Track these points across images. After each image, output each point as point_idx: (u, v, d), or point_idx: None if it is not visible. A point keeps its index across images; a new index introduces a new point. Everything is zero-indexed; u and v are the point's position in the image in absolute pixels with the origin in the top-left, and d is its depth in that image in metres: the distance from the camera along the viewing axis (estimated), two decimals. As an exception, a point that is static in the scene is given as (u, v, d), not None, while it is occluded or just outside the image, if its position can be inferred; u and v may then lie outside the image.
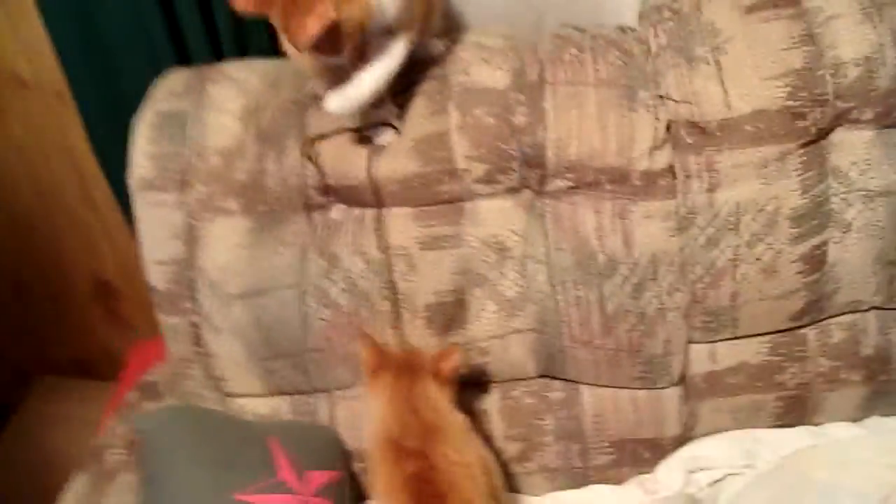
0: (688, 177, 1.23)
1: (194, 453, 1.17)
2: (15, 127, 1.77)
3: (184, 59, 1.49)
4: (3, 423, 2.08)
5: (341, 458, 1.32)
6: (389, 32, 1.17)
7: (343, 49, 1.10)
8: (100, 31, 1.48)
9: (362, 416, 1.34)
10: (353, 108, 1.18)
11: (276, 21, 1.09)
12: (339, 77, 1.17)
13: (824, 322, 1.30)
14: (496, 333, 1.29)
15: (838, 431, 1.33)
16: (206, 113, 1.32)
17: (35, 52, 1.64)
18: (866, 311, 1.30)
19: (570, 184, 1.25)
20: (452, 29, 1.37)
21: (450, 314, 1.29)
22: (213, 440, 1.20)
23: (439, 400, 1.19)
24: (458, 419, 1.20)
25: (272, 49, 1.46)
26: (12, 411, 2.10)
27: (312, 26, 1.02)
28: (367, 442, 1.22)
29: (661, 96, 1.24)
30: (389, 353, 1.24)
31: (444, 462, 1.11)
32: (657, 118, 1.23)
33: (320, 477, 1.21)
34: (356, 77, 1.16)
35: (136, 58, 1.50)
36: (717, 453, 1.31)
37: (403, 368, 1.22)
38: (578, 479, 1.35)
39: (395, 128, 1.26)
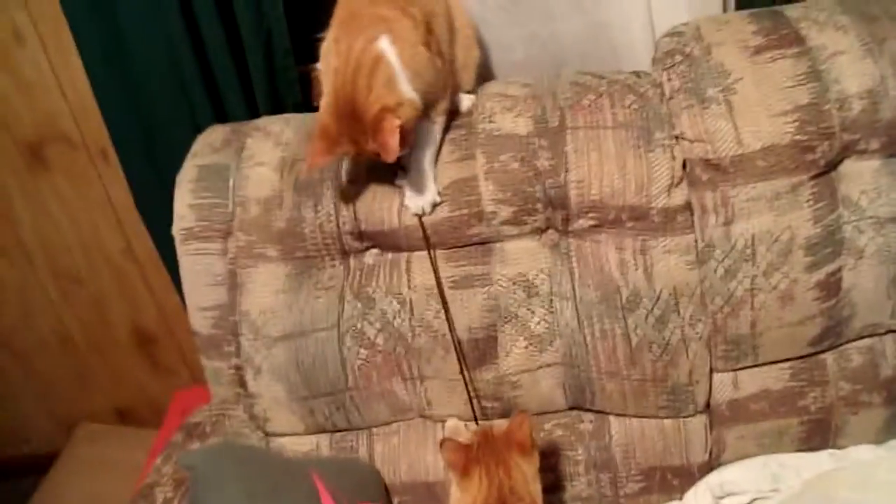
0: (704, 212, 1.29)
1: (241, 487, 1.21)
2: (62, 183, 1.86)
3: (221, 116, 1.57)
4: (46, 468, 2.13)
5: (380, 492, 1.37)
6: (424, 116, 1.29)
7: (409, 143, 1.25)
8: (142, 93, 1.58)
9: (400, 453, 1.41)
10: (431, 207, 1.32)
11: (349, 152, 1.24)
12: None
13: (843, 347, 1.34)
14: (527, 368, 1.34)
15: (861, 453, 1.35)
16: (246, 165, 1.40)
17: (83, 113, 1.75)
18: (884, 334, 1.34)
19: (593, 223, 1.31)
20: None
21: (482, 350, 1.34)
22: (259, 475, 1.25)
23: (530, 478, 1.18)
24: None
25: (304, 105, 1.56)
26: (55, 457, 2.16)
27: (391, 139, 1.16)
28: None
29: (676, 136, 1.30)
30: (471, 447, 1.19)
31: None
32: (673, 157, 1.29)
33: (362, 509, 1.26)
34: (418, 178, 1.31)
35: (176, 117, 1.59)
36: (743, 478, 1.34)
37: (491, 457, 1.18)
38: (610, 507, 1.39)
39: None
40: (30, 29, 1.67)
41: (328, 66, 1.22)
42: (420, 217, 1.33)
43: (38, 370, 2.19)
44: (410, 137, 1.25)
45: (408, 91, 1.20)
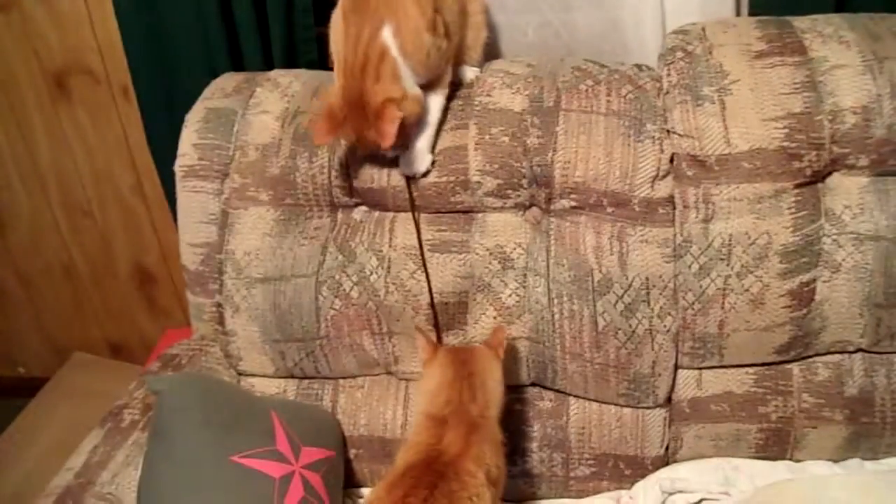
0: (686, 207, 1.30)
1: (202, 415, 1.25)
2: (82, 116, 1.93)
3: (238, 65, 1.62)
4: (36, 392, 2.21)
5: (337, 441, 1.40)
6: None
7: (408, 137, 1.31)
8: (165, 35, 1.64)
9: (361, 406, 1.44)
10: (422, 172, 1.36)
11: (349, 137, 1.31)
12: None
13: (810, 359, 1.34)
14: (494, 338, 1.36)
15: (817, 469, 1.35)
16: (251, 112, 1.45)
17: (109, 49, 1.81)
18: (853, 352, 1.34)
19: (574, 204, 1.33)
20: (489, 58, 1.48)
21: (451, 314, 1.37)
22: (222, 407, 1.29)
23: (490, 371, 1.23)
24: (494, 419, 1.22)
25: (319, 63, 1.60)
26: (46, 382, 2.23)
27: (391, 126, 1.22)
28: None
29: (667, 130, 1.32)
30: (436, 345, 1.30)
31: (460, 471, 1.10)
32: (661, 150, 1.31)
33: (314, 454, 1.29)
34: (417, 144, 1.35)
35: (195, 61, 1.64)
36: (695, 477, 1.35)
37: (459, 348, 1.30)
38: (558, 487, 1.40)
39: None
40: (70, -38, 1.74)
41: (337, 35, 1.30)
42: (408, 179, 1.36)
43: (39, 296, 2.26)
44: (407, 132, 1.30)
45: (411, 86, 1.27)
